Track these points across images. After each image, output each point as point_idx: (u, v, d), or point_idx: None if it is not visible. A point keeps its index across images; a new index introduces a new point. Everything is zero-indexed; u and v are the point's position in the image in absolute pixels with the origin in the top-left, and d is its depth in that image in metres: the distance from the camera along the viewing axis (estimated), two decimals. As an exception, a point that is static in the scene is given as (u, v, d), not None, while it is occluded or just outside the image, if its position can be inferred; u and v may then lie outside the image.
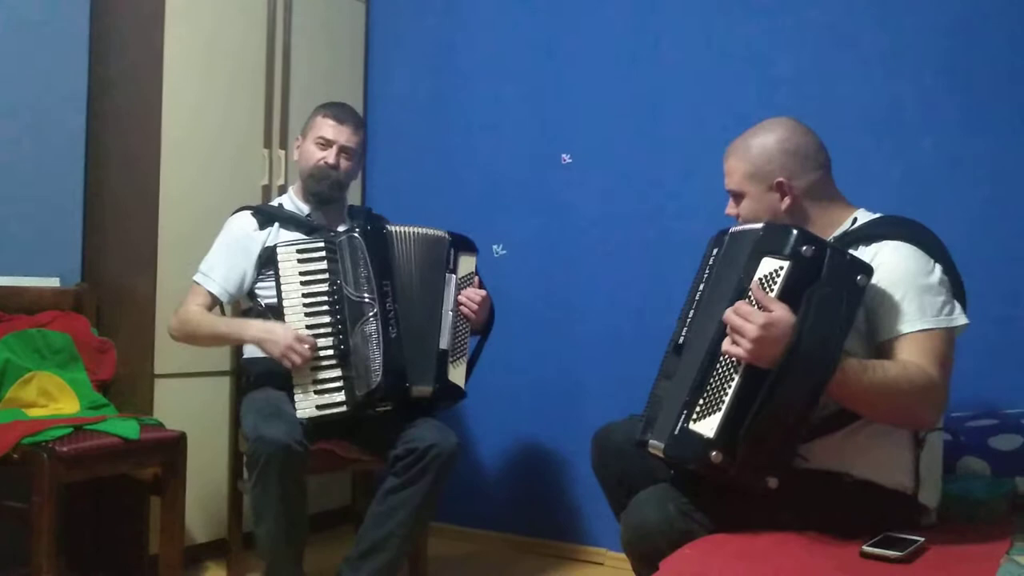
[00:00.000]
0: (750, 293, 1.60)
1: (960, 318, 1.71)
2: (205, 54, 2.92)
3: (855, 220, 1.85)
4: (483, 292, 2.53)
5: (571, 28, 3.16)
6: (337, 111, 2.57)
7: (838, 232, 1.83)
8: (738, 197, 1.90)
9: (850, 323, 1.61)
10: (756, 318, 1.54)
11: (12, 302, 2.63)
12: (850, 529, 1.65)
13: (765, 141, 1.85)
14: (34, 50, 2.82)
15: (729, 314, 1.59)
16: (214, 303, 2.48)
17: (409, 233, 2.46)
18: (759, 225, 1.77)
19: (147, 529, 2.64)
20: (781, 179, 1.82)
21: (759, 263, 1.64)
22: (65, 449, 2.19)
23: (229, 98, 3.00)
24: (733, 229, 1.86)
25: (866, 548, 1.57)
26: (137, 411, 2.66)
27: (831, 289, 1.58)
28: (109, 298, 2.87)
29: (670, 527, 1.69)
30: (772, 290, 1.59)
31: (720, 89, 2.86)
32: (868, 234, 1.78)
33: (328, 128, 2.54)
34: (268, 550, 2.24)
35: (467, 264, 2.54)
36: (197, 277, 2.49)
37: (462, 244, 2.54)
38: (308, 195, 2.58)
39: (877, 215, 1.86)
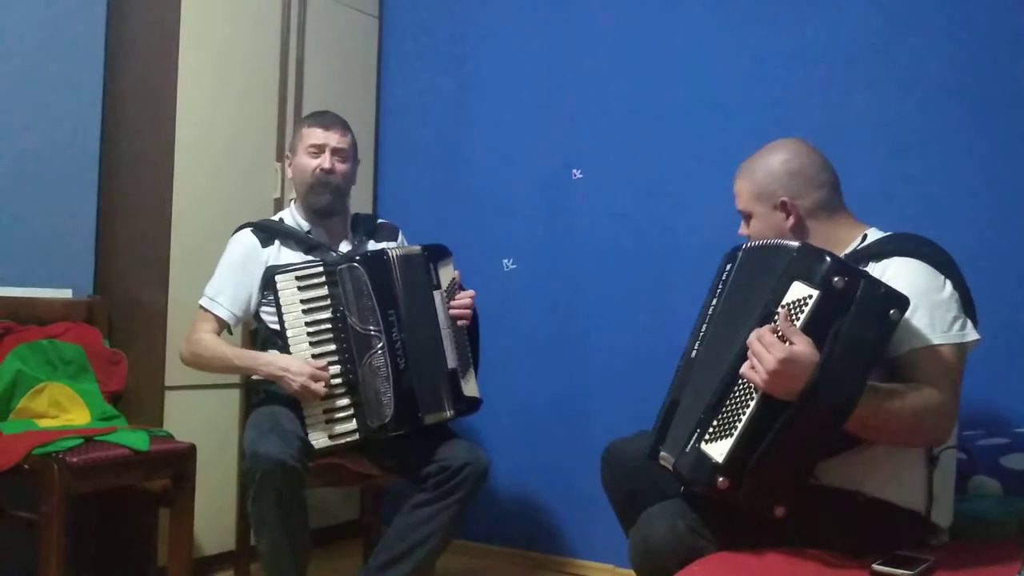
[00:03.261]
0: (776, 318, 1.58)
1: (972, 334, 1.70)
2: (219, 68, 2.94)
3: (864, 238, 1.86)
4: (470, 292, 2.52)
5: (582, 43, 3.17)
6: (320, 117, 2.55)
7: (848, 250, 1.83)
8: (747, 217, 1.94)
9: (877, 359, 1.58)
10: (776, 351, 1.51)
11: (24, 313, 2.65)
12: (860, 547, 1.64)
13: (770, 162, 1.89)
14: (48, 64, 2.84)
15: (752, 339, 1.56)
16: (222, 327, 2.45)
17: (403, 256, 2.42)
18: (776, 241, 1.78)
19: (156, 540, 2.65)
20: (785, 198, 1.85)
21: (789, 286, 1.61)
22: (75, 460, 2.19)
23: (242, 111, 3.02)
24: (747, 245, 1.87)
25: (876, 567, 1.56)
26: (147, 423, 2.67)
27: (861, 324, 1.53)
28: (121, 310, 2.88)
29: (679, 544, 1.68)
30: (798, 319, 1.55)
31: (730, 104, 2.87)
32: (877, 251, 1.78)
33: (316, 134, 2.50)
34: (270, 566, 2.23)
35: (447, 273, 2.50)
36: (203, 302, 2.45)
37: (436, 254, 2.49)
38: (310, 213, 2.54)
39: (888, 233, 1.86)
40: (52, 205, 2.85)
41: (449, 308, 2.46)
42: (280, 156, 3.12)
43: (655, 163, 3.00)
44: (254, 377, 2.51)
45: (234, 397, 2.90)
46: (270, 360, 2.33)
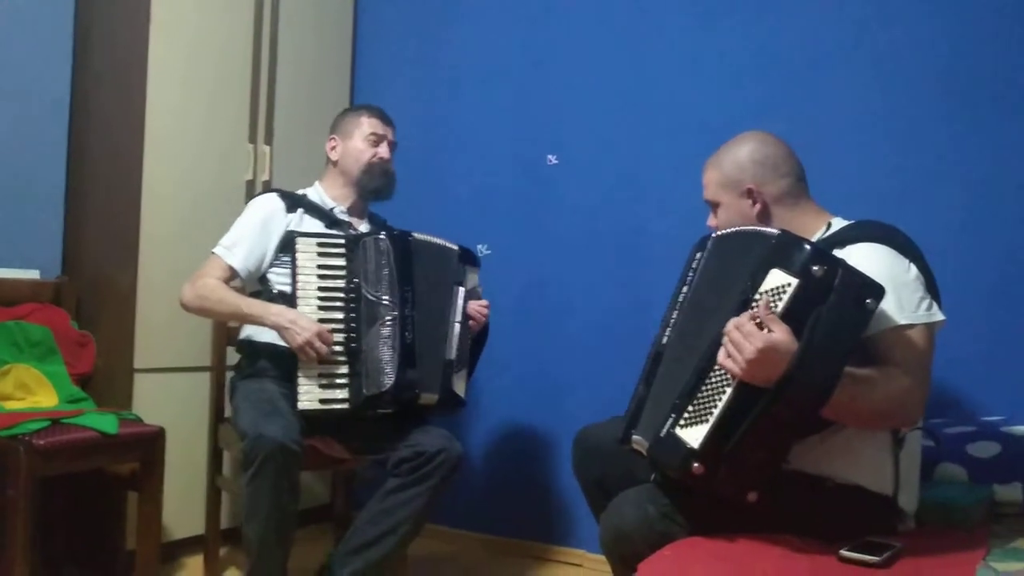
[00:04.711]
0: (755, 305, 1.59)
1: (938, 314, 1.73)
2: (190, 47, 2.90)
3: (829, 226, 1.89)
4: (486, 302, 2.58)
5: (559, 29, 3.17)
6: (380, 112, 2.69)
7: (813, 239, 1.84)
8: (715, 207, 1.98)
9: (853, 346, 1.59)
10: (756, 340, 1.51)
11: (-9, 294, 2.61)
12: (829, 533, 1.66)
13: (736, 152, 1.94)
14: (16, 42, 2.80)
15: (730, 327, 1.57)
16: (232, 277, 2.47)
17: (427, 243, 2.49)
18: (752, 228, 1.81)
19: (124, 524, 2.63)
20: (751, 186, 1.90)
21: (767, 274, 1.61)
22: (42, 442, 2.17)
23: (214, 93, 2.99)
24: (717, 233, 1.89)
25: (844, 552, 1.58)
26: (116, 405, 2.64)
27: (839, 312, 1.54)
28: (89, 291, 2.84)
29: (649, 529, 1.69)
30: (777, 306, 1.56)
31: (706, 92, 2.88)
32: (841, 238, 1.80)
33: (377, 125, 2.64)
34: (256, 547, 2.22)
35: (472, 278, 2.60)
36: (218, 250, 2.48)
37: (469, 258, 2.59)
38: (364, 191, 2.62)
39: (851, 221, 1.88)
40: (19, 185, 2.81)
41: (469, 306, 2.51)
42: (253, 137, 3.09)
43: (630, 150, 3.00)
44: (241, 337, 2.53)
45: (204, 380, 2.87)
46: (280, 311, 2.33)
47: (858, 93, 2.64)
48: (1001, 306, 2.41)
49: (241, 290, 2.54)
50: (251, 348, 2.51)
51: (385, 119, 2.67)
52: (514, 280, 3.18)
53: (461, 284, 2.53)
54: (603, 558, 1.86)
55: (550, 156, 3.15)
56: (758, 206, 1.90)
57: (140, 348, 2.74)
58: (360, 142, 2.62)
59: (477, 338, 2.59)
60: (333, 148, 2.66)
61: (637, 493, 1.78)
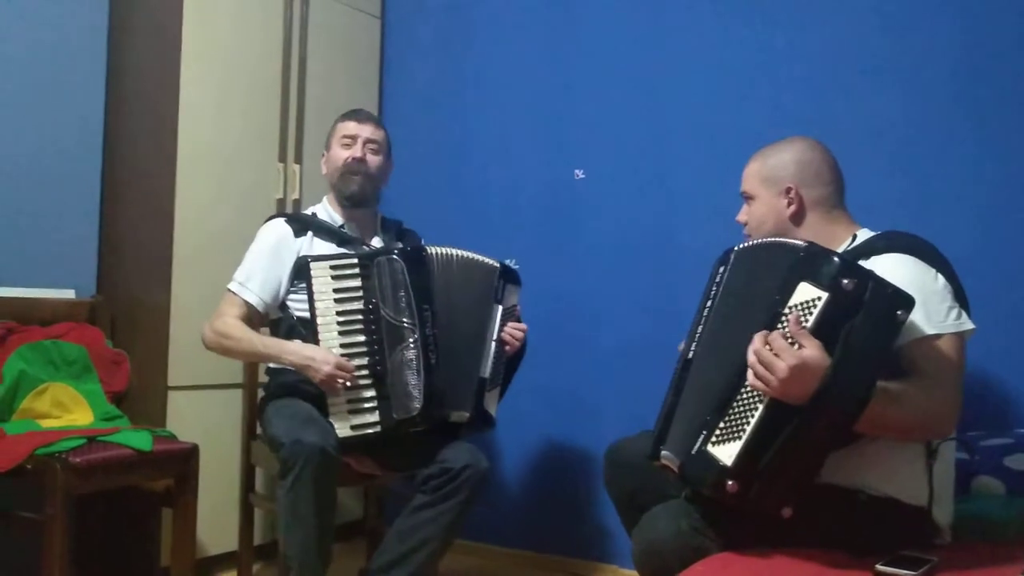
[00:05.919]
0: (784, 319, 1.57)
1: (967, 323, 1.71)
2: (221, 68, 2.94)
3: (855, 237, 1.88)
4: (524, 326, 2.54)
5: (584, 43, 3.17)
6: (355, 113, 2.63)
7: (839, 250, 1.83)
8: (749, 199, 1.99)
9: (885, 359, 1.57)
10: (787, 357, 1.49)
11: (27, 313, 2.65)
12: (864, 547, 1.64)
13: (784, 151, 1.95)
14: (51, 65, 2.85)
15: (760, 345, 1.54)
16: (250, 313, 2.47)
17: (452, 256, 2.45)
18: (774, 240, 1.79)
19: (159, 541, 2.65)
20: (791, 185, 1.90)
21: (796, 287, 1.59)
22: (78, 460, 2.19)
23: (245, 112, 3.03)
24: (739, 247, 1.88)
25: (880, 567, 1.56)
26: (150, 423, 2.67)
27: (870, 325, 1.52)
28: (123, 310, 2.88)
29: (681, 544, 1.68)
30: (807, 321, 1.54)
31: (732, 104, 2.87)
32: (867, 249, 1.79)
33: (350, 126, 2.57)
34: (297, 558, 2.19)
35: (512, 296, 2.55)
36: (232, 286, 2.47)
37: (510, 275, 2.55)
38: (342, 199, 2.57)
39: (877, 232, 1.87)
40: (55, 206, 2.86)
41: (505, 328, 2.48)
42: (283, 156, 3.12)
43: (657, 163, 3.00)
44: (271, 366, 2.52)
45: (237, 397, 2.89)
46: (296, 349, 2.33)
47: (883, 101, 2.62)
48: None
49: (272, 322, 2.55)
50: (276, 375, 2.50)
51: (361, 118, 2.60)
52: (543, 294, 3.17)
53: (499, 302, 2.49)
54: (635, 574, 1.85)
55: (577, 171, 3.15)
56: (793, 207, 1.90)
57: (173, 366, 2.77)
58: (337, 148, 2.57)
59: (512, 358, 2.56)
60: (323, 163, 2.65)
61: (669, 508, 1.77)
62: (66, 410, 2.56)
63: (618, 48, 3.10)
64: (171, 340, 2.77)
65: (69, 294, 2.83)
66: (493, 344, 2.47)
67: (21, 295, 2.69)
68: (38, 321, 2.66)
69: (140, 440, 2.35)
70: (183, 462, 2.46)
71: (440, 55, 3.52)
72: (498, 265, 2.52)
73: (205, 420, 2.83)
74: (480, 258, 2.50)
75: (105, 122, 3.00)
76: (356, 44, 3.51)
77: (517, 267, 3.20)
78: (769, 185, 1.93)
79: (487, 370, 2.45)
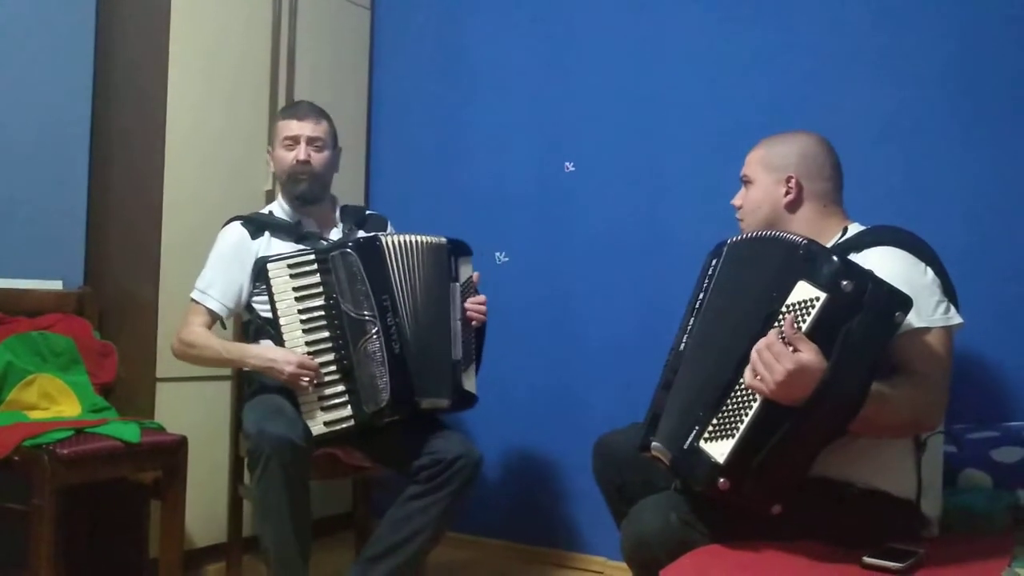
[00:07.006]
0: (781, 318, 1.56)
1: (956, 317, 1.72)
2: (209, 59, 2.93)
3: (845, 231, 1.89)
4: (483, 298, 2.53)
5: (575, 35, 3.17)
6: (294, 109, 2.59)
7: (829, 244, 1.85)
8: (747, 183, 2.00)
9: (880, 360, 1.58)
10: (785, 361, 1.49)
11: (14, 305, 2.63)
12: (852, 539, 1.65)
13: (790, 141, 1.98)
14: (39, 54, 2.83)
15: (761, 346, 1.54)
16: (214, 320, 2.47)
17: (405, 242, 2.43)
18: (770, 232, 1.80)
19: (147, 533, 2.64)
20: (792, 175, 1.92)
21: (794, 286, 1.58)
22: (66, 452, 2.18)
23: (233, 103, 3.01)
24: (732, 239, 1.88)
25: (867, 559, 1.56)
26: (138, 414, 2.66)
27: (867, 327, 1.52)
28: (111, 302, 2.87)
29: (670, 536, 1.69)
30: (804, 322, 1.53)
31: (723, 97, 2.87)
32: (856, 243, 1.80)
33: (290, 126, 2.52)
34: (274, 551, 2.19)
35: (466, 269, 2.53)
36: (195, 295, 2.47)
37: (460, 249, 2.52)
38: (292, 200, 2.55)
39: (867, 227, 1.88)
40: (42, 196, 2.84)
41: (465, 305, 2.48)
42: (271, 148, 3.10)
43: (647, 156, 3.00)
44: (246, 368, 2.51)
45: (225, 389, 2.89)
46: (258, 353, 2.35)
47: (876, 96, 2.62)
48: (1023, 308, 2.39)
49: (244, 323, 2.54)
50: (252, 374, 2.50)
51: (300, 114, 2.54)
52: (533, 287, 3.18)
53: (456, 280, 2.48)
54: (624, 565, 1.85)
55: (567, 163, 3.15)
56: (791, 196, 1.92)
57: (162, 358, 2.76)
58: (280, 150, 2.54)
59: (479, 330, 2.55)
60: (270, 161, 2.63)
61: (658, 500, 1.78)
62: (54, 402, 2.55)
63: (609, 41, 3.10)
64: (159, 332, 2.76)
65: (57, 285, 2.82)
66: (459, 324, 2.46)
67: (8, 286, 2.68)
68: (25, 312, 2.64)
69: (128, 432, 2.35)
70: (171, 454, 2.45)
71: (430, 47, 3.51)
72: (445, 241, 2.48)
73: (194, 412, 2.82)
74: (427, 239, 2.46)
75: (93, 113, 2.98)
76: (346, 35, 3.49)
77: (507, 259, 3.21)
78: (770, 171, 1.95)
79: (458, 351, 2.45)
